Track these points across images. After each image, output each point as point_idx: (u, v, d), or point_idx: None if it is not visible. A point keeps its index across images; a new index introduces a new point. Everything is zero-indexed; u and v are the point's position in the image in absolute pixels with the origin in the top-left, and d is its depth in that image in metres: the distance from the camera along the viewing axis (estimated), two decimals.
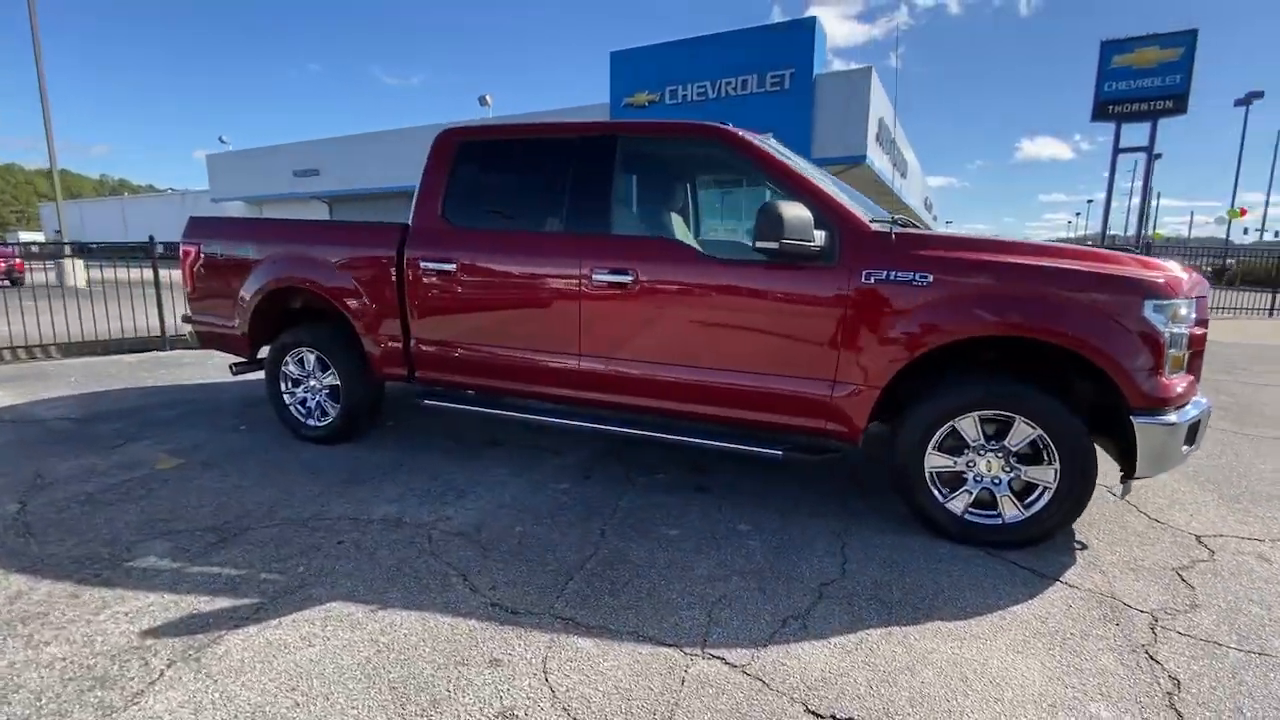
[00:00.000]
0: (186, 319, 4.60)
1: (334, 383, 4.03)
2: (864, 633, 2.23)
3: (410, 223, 3.69)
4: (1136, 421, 2.55)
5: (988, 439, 2.78)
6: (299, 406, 4.19)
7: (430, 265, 3.58)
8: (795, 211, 2.71)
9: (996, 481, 2.79)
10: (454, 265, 3.51)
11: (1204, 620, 2.32)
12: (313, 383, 4.13)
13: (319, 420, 4.13)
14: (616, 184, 3.31)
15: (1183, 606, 2.42)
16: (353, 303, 3.81)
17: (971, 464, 2.81)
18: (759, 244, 2.72)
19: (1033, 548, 2.81)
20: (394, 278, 3.69)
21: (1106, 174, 34.62)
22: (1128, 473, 2.68)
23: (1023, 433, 2.70)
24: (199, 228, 4.42)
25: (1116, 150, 35.35)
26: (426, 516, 3.10)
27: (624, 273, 3.15)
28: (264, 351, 4.34)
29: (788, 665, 2.05)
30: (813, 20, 22.98)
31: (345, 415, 4.00)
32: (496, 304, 3.50)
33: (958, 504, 2.85)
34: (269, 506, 3.17)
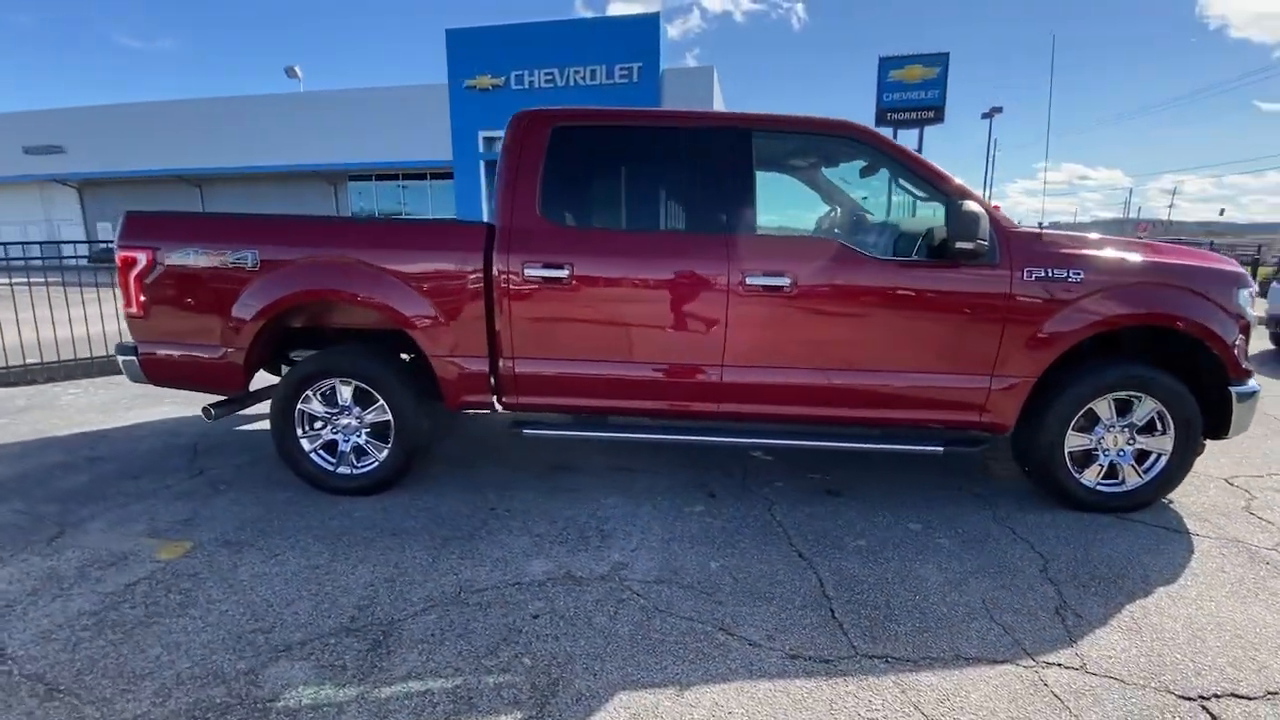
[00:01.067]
0: (127, 349, 3.38)
1: (382, 418, 3.26)
2: (1122, 610, 2.37)
3: (497, 221, 3.09)
4: (1235, 391, 3.01)
5: (1117, 416, 3.09)
6: (323, 452, 3.34)
7: (536, 273, 3.03)
8: (981, 212, 2.75)
9: (1121, 453, 3.13)
10: (567, 272, 3.01)
11: None
12: (347, 420, 3.30)
13: (354, 466, 3.33)
14: (754, 181, 3.08)
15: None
16: (422, 319, 3.10)
17: (1101, 440, 3.11)
18: (959, 244, 2.72)
19: (1147, 509, 3.20)
20: (482, 288, 3.07)
21: None
22: (1216, 435, 3.15)
23: (1147, 409, 3.06)
24: (150, 227, 3.25)
25: None
26: (597, 567, 2.66)
27: (781, 275, 2.96)
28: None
29: (1111, 657, 2.11)
30: (656, 16, 23.56)
31: (401, 457, 3.27)
32: (622, 315, 3.08)
33: (1090, 477, 3.14)
34: (386, 587, 2.48)
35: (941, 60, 38.88)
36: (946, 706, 1.88)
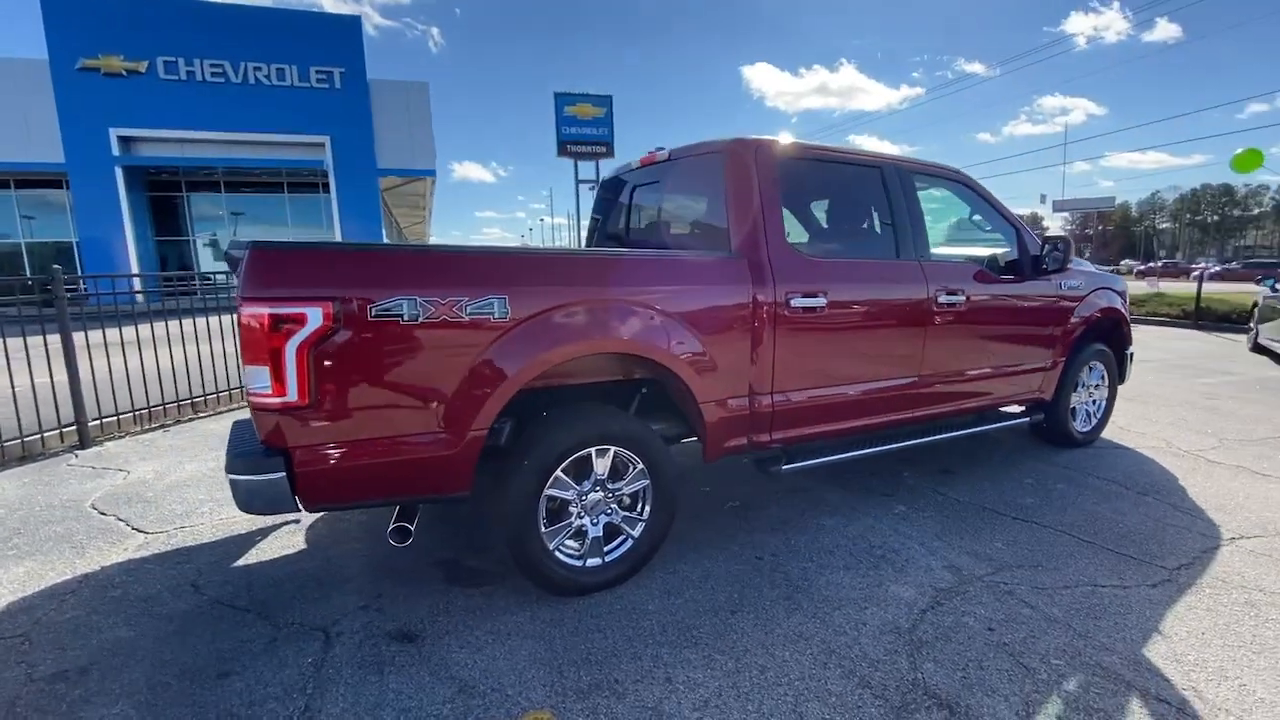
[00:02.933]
0: (259, 462, 2.02)
1: (636, 487, 2.74)
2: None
3: (748, 252, 2.92)
4: (1129, 352, 4.73)
5: (1089, 378, 4.53)
6: (569, 544, 2.64)
7: (800, 303, 2.97)
8: (1069, 238, 3.80)
9: (1089, 403, 4.58)
10: (824, 301, 3.05)
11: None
12: (596, 497, 2.67)
13: (605, 553, 2.72)
14: (923, 212, 3.59)
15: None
16: (697, 361, 2.73)
17: (1080, 397, 4.51)
18: (1056, 267, 3.68)
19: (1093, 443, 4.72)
20: (750, 322, 2.88)
21: (573, 198, 44.00)
22: (1120, 382, 4.83)
23: (1099, 371, 4.56)
24: (323, 268, 2.06)
25: (578, 181, 45.40)
26: (946, 575, 2.82)
27: (958, 293, 3.55)
28: None
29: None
30: (358, 20, 21.43)
31: (660, 528, 2.80)
32: (862, 338, 3.25)
33: (1078, 424, 4.52)
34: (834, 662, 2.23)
35: (607, 101, 44.11)
36: None
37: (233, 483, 2.07)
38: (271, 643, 2.28)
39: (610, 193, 4.08)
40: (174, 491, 3.80)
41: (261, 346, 1.96)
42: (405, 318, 2.13)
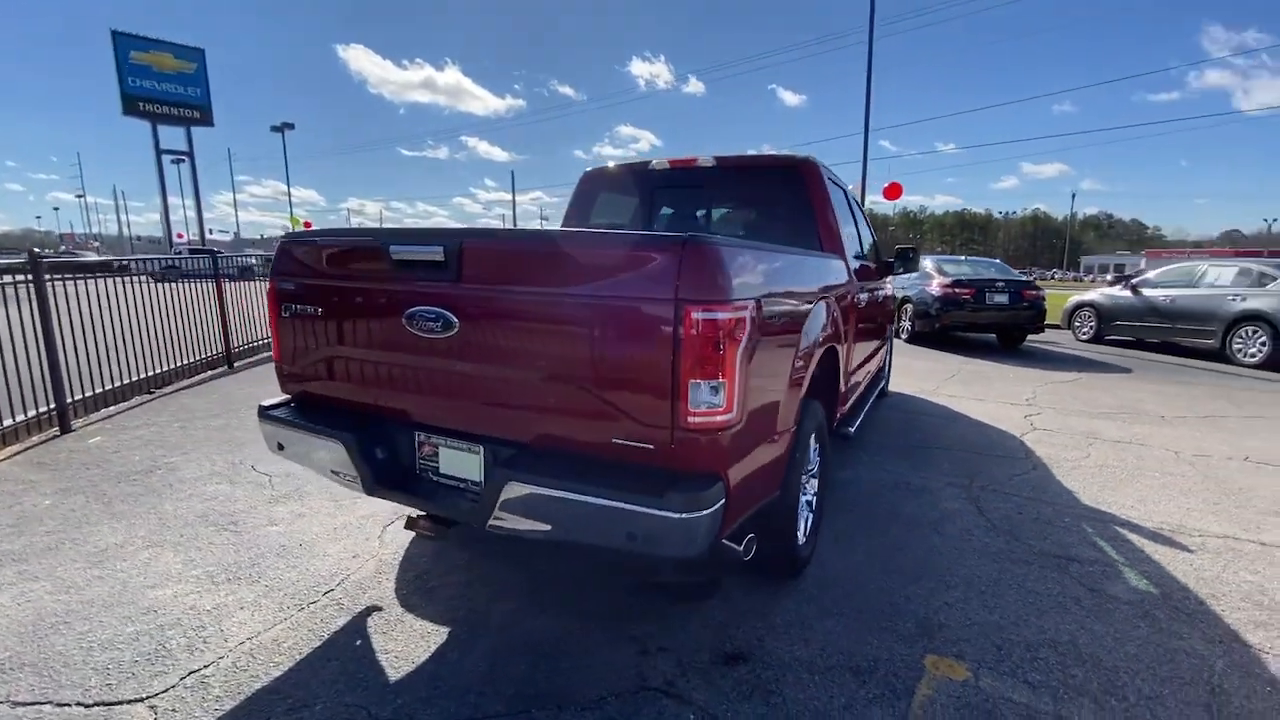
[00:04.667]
0: (722, 473, 1.51)
1: (817, 461, 2.97)
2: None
3: (837, 254, 3.42)
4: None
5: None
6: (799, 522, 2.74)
7: (864, 296, 3.62)
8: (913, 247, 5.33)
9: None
10: (868, 295, 3.76)
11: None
12: (813, 470, 2.83)
13: (803, 530, 2.91)
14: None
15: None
16: (842, 339, 3.16)
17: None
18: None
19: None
20: (849, 312, 3.39)
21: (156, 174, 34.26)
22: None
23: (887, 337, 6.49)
24: (751, 266, 1.72)
25: (159, 151, 35.45)
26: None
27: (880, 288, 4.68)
28: None
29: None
30: None
31: (822, 502, 3.10)
32: (865, 326, 4.08)
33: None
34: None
35: (197, 56, 35.81)
36: None
37: (683, 524, 1.60)
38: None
39: (609, 189, 3.90)
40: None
41: (714, 358, 1.60)
42: (779, 317, 1.99)
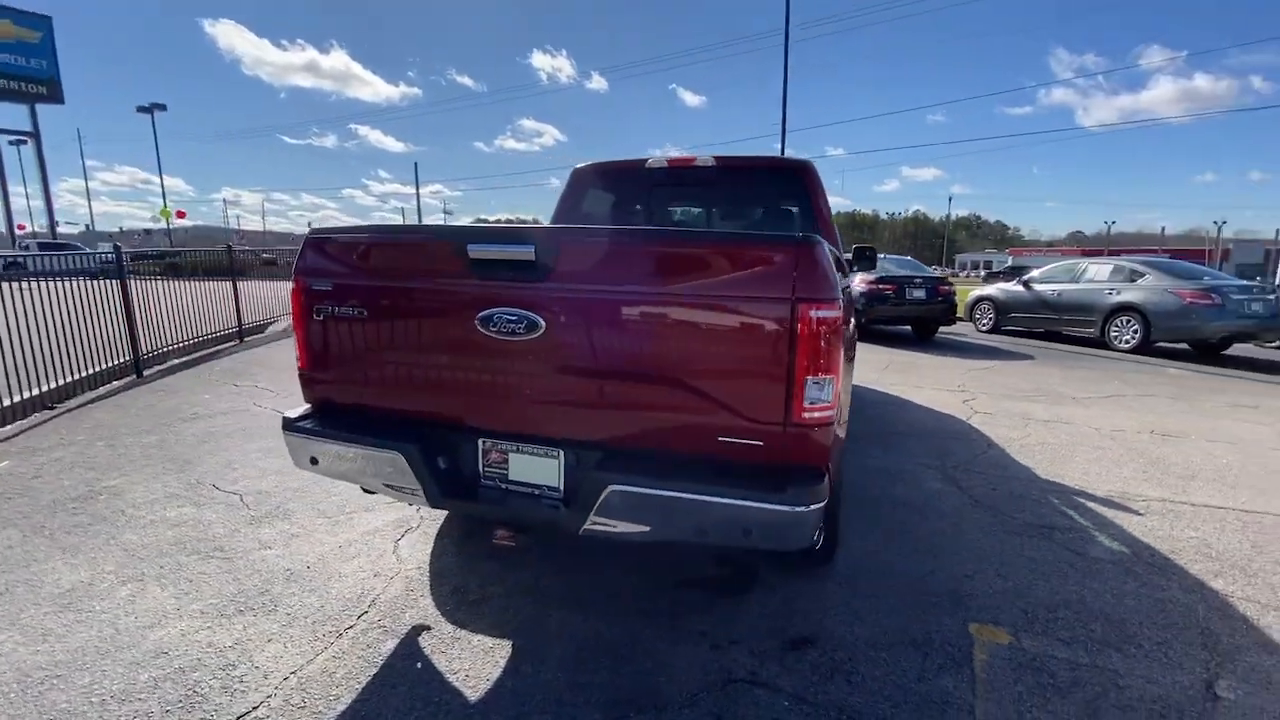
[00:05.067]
0: (826, 467, 1.52)
1: None
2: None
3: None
4: None
5: None
6: None
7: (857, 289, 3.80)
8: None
9: None
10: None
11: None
12: None
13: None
14: None
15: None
16: None
17: None
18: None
19: None
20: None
21: None
22: None
23: None
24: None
25: None
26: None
27: None
28: None
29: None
30: None
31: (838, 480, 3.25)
32: None
33: None
34: None
35: (44, 24, 31.64)
36: None
37: (804, 517, 1.64)
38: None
39: (602, 186, 3.87)
40: None
41: (825, 355, 1.67)
42: (847, 314, 2.10)
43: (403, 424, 2.05)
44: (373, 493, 2.43)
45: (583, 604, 2.38)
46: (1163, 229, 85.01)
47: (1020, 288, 10.96)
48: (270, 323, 9.84)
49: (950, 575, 2.63)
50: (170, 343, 7.06)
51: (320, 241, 2.10)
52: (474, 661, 2.04)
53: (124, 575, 2.54)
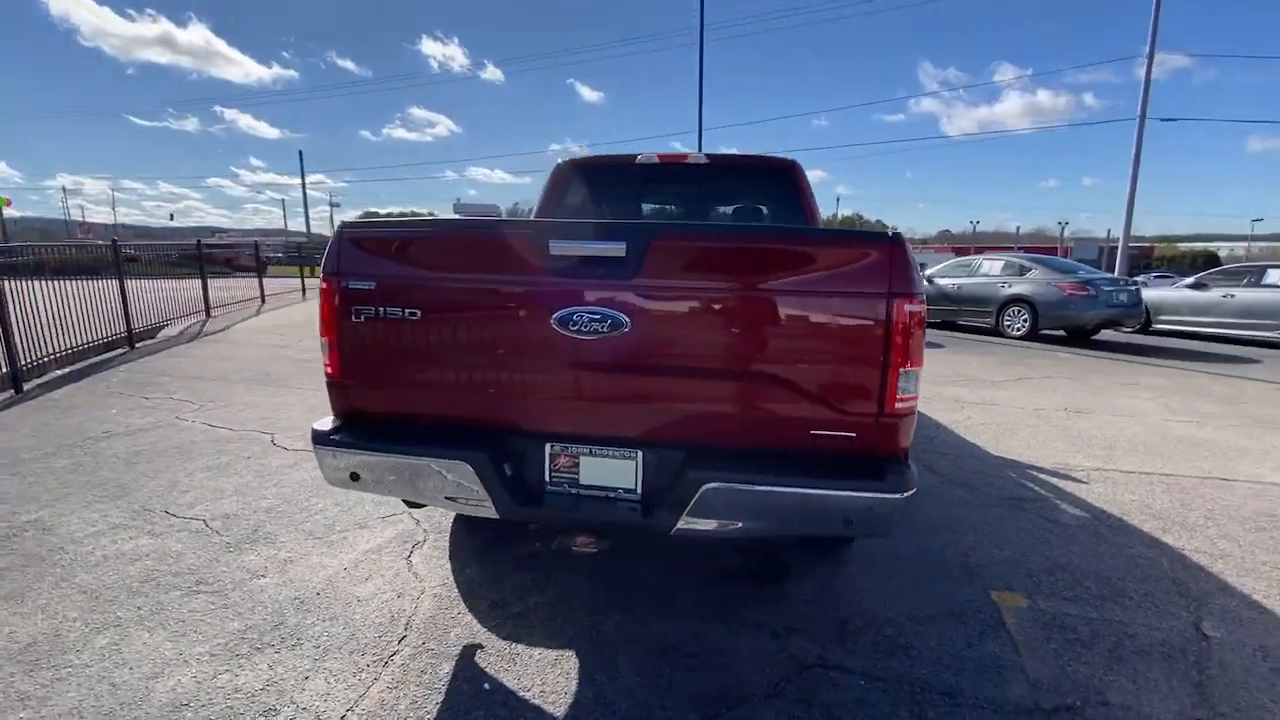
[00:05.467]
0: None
1: None
2: None
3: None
4: None
5: None
6: None
7: None
8: None
9: None
10: None
11: None
12: None
13: None
14: None
15: None
16: None
17: None
18: None
19: None
20: None
21: None
22: None
23: None
24: None
25: None
26: None
27: None
28: None
29: None
30: None
31: None
32: None
33: None
34: None
35: None
36: None
37: (901, 503, 1.71)
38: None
39: (588, 180, 3.81)
40: None
41: (913, 348, 1.76)
42: None
43: (461, 432, 1.92)
44: (419, 505, 2.27)
45: (631, 607, 2.34)
46: (1017, 228, 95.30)
47: (925, 282, 11.90)
48: (161, 326, 8.82)
49: (955, 550, 2.83)
50: (48, 352, 6.14)
51: (358, 236, 1.92)
52: (542, 676, 1.96)
53: (94, 621, 2.21)
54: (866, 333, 1.66)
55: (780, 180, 3.62)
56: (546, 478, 1.93)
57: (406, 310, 1.86)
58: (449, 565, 2.63)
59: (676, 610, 2.32)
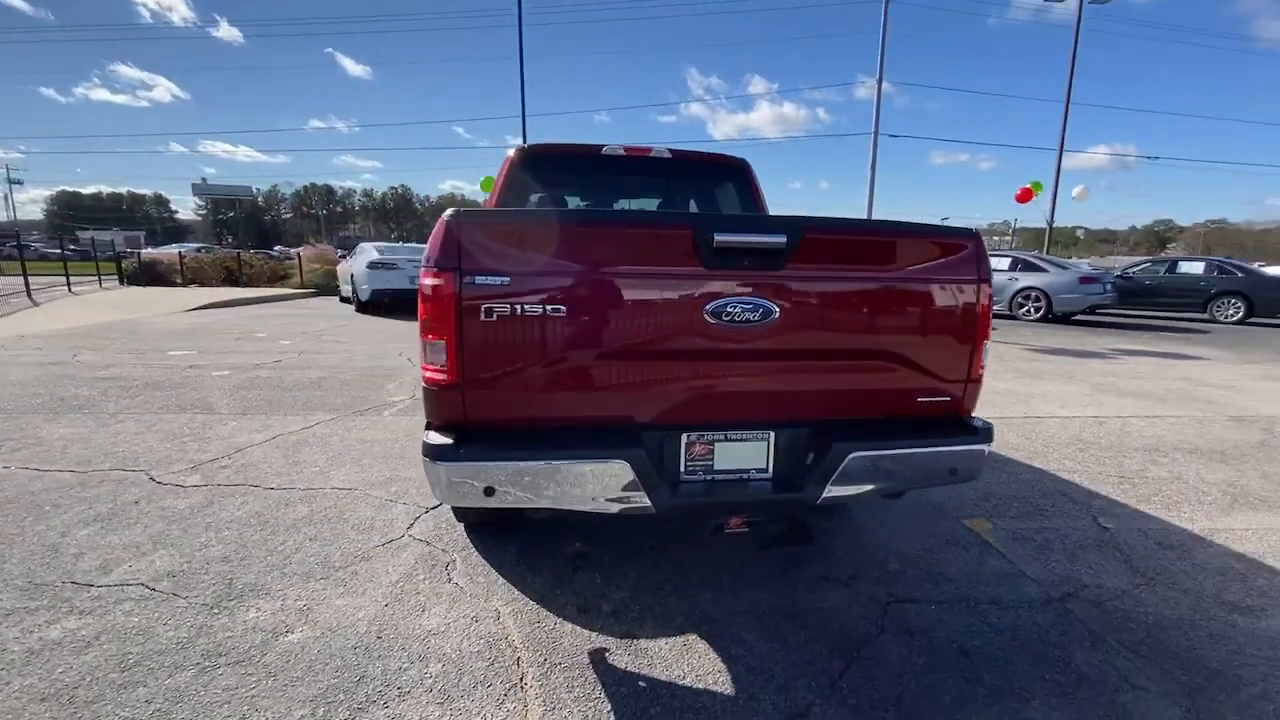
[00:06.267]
0: None
1: None
2: None
3: None
4: None
5: None
6: None
7: None
8: None
9: None
10: None
11: None
12: None
13: None
14: None
15: None
16: None
17: None
18: None
19: None
20: None
21: None
22: None
23: None
24: None
25: None
26: None
27: None
28: None
29: None
30: None
31: None
32: None
33: None
34: None
35: None
36: None
37: (986, 454, 2.09)
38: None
39: (549, 168, 3.72)
40: None
41: (988, 324, 2.17)
42: None
43: (604, 430, 1.87)
44: (539, 514, 2.10)
45: (715, 585, 2.46)
46: None
47: None
48: None
49: (925, 495, 3.38)
50: None
51: (480, 226, 1.74)
52: (685, 661, 2.01)
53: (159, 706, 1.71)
54: (968, 311, 2.00)
55: (735, 176, 3.89)
56: (681, 467, 1.96)
57: (549, 307, 1.75)
58: (501, 579, 2.47)
59: (752, 579, 2.49)
